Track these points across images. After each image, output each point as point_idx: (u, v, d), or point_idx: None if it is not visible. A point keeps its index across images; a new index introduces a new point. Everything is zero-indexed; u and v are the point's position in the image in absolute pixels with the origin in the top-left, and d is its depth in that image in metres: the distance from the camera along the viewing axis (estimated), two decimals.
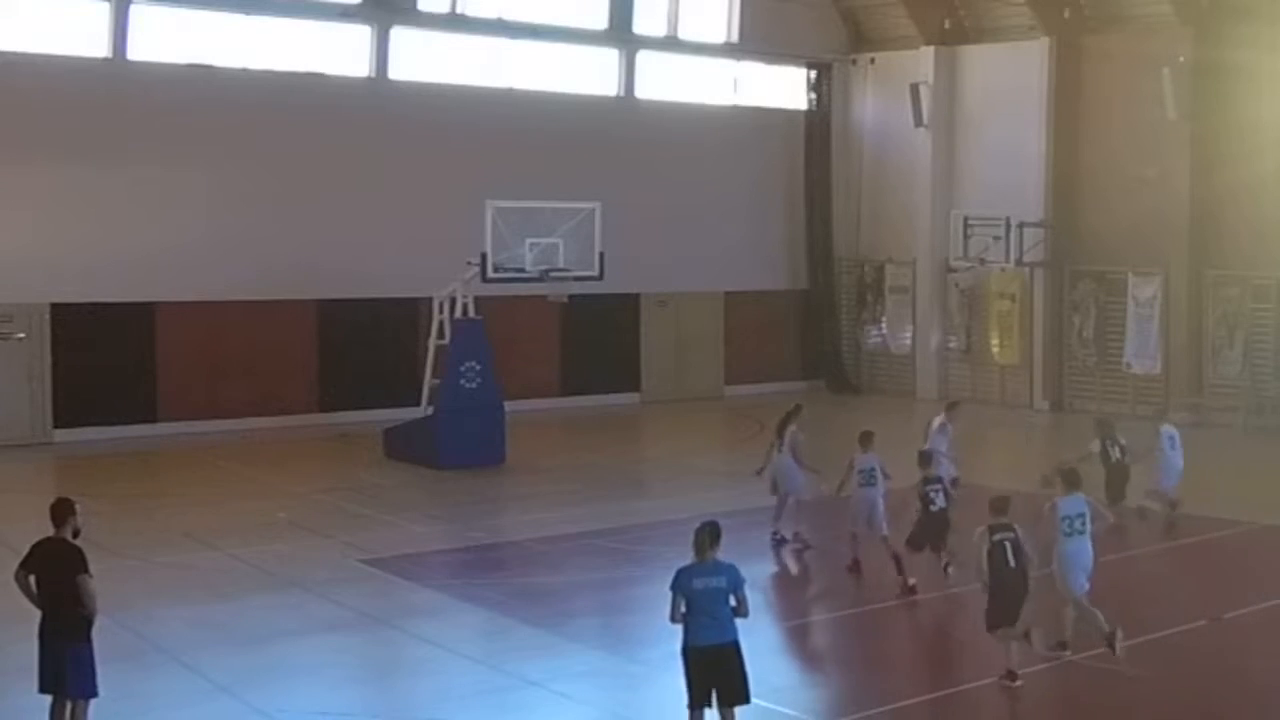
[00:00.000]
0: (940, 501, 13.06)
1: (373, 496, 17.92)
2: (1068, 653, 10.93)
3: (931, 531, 13.10)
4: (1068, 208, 26.00)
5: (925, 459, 13.58)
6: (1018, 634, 10.43)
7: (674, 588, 8.56)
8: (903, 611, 12.77)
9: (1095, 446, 15.92)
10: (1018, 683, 10.28)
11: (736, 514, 16.40)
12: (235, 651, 11.39)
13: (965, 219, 26.35)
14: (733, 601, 8.59)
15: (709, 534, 8.61)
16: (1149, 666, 10.79)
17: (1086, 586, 10.95)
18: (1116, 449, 15.99)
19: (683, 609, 8.49)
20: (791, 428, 15.27)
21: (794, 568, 14.80)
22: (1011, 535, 10.42)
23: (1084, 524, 10.99)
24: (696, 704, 8.66)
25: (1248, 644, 11.69)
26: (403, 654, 11.69)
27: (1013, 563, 10.35)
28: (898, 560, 13.05)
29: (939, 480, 13.31)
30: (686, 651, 8.59)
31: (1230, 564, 14.61)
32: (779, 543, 15.14)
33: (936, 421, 16.21)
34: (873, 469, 13.72)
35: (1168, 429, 16.35)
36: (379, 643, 12.09)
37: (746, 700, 8.63)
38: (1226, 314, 24.17)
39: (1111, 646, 10.59)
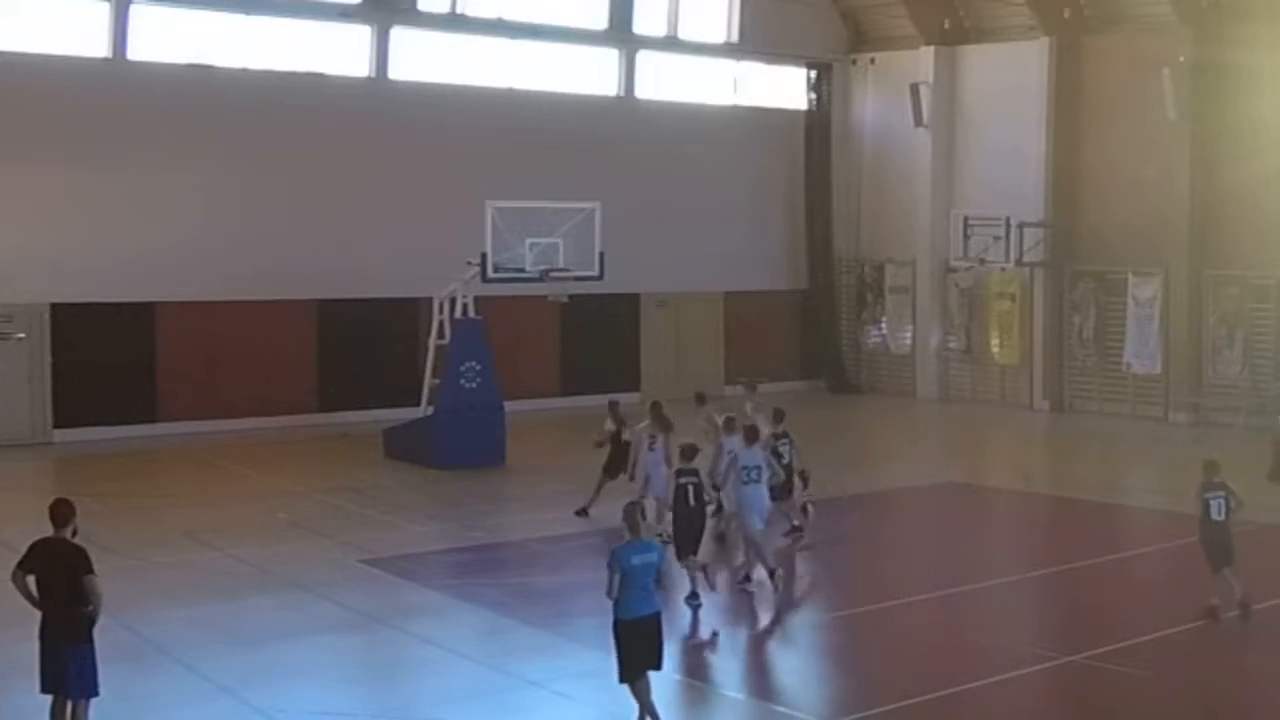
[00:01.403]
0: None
1: (372, 496, 17.95)
2: (752, 585, 12.99)
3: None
4: (1068, 208, 26.03)
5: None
6: (698, 565, 12.55)
7: (612, 565, 9.12)
8: (903, 612, 12.79)
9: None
10: (698, 603, 12.24)
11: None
12: (235, 651, 11.43)
13: (965, 219, 26.38)
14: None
15: (640, 510, 9.42)
16: (1150, 666, 10.82)
17: (761, 527, 13.11)
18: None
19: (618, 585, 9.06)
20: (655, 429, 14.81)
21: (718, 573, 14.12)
22: (695, 479, 12.56)
23: (760, 474, 13.01)
24: (631, 675, 9.18)
25: (1248, 643, 11.73)
26: (402, 654, 11.71)
27: (693, 503, 12.46)
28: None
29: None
30: (621, 624, 9.15)
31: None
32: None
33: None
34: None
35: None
36: (379, 643, 12.12)
37: (659, 667, 9.33)
38: (1226, 314, 24.20)
39: (773, 582, 12.78)
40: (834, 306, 29.66)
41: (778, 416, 15.20)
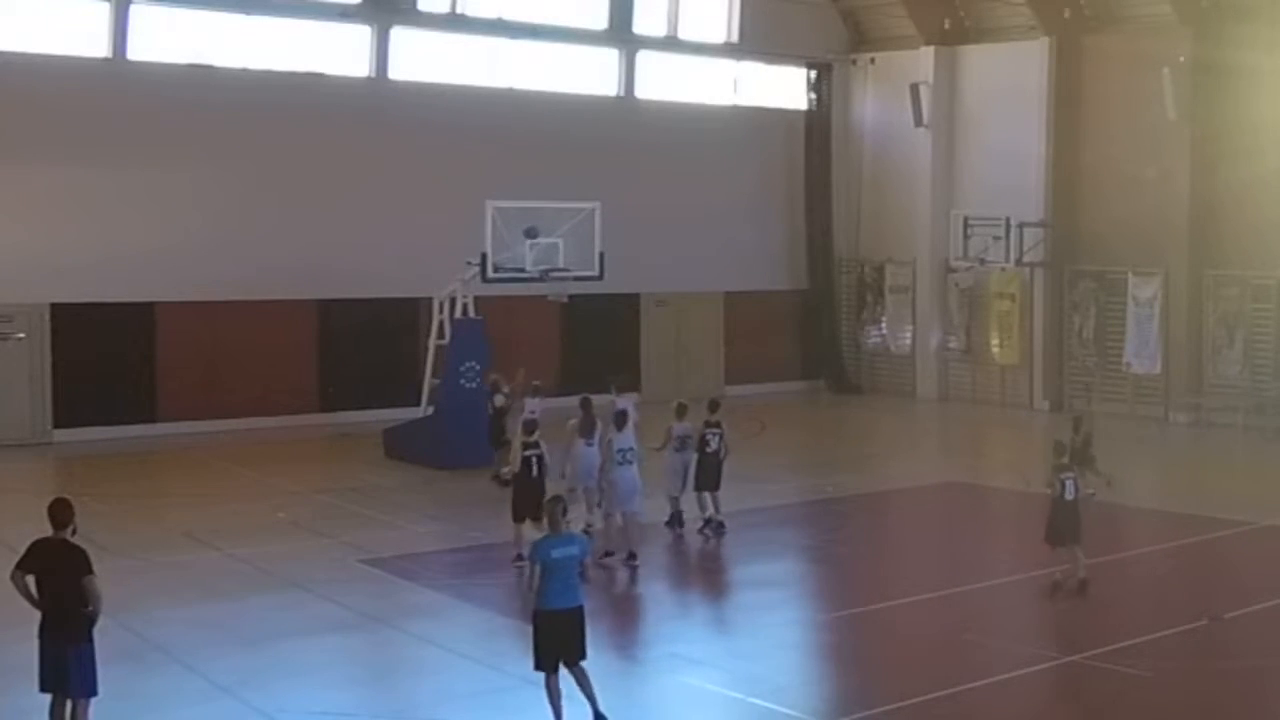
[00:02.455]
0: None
1: (372, 496, 18.00)
2: (614, 557, 14.02)
3: None
4: (1068, 208, 26.07)
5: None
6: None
7: (532, 557, 9.47)
8: (903, 611, 12.83)
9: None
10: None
11: (737, 514, 16.49)
12: (235, 651, 11.45)
13: (965, 219, 26.45)
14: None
15: (562, 507, 9.65)
16: (1151, 666, 10.85)
17: (634, 507, 14.25)
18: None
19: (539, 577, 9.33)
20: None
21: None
22: (539, 452, 14.08)
23: (633, 456, 14.43)
24: (548, 666, 9.41)
25: (1249, 643, 11.76)
26: (402, 654, 11.76)
27: (535, 474, 13.90)
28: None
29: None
30: (540, 615, 9.40)
31: (1231, 564, 14.71)
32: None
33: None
34: (686, 435, 15.43)
35: None
36: (379, 642, 12.16)
37: (585, 656, 9.49)
38: (1226, 314, 24.26)
39: (633, 564, 13.87)
40: (834, 306, 29.70)
41: (711, 406, 15.99)
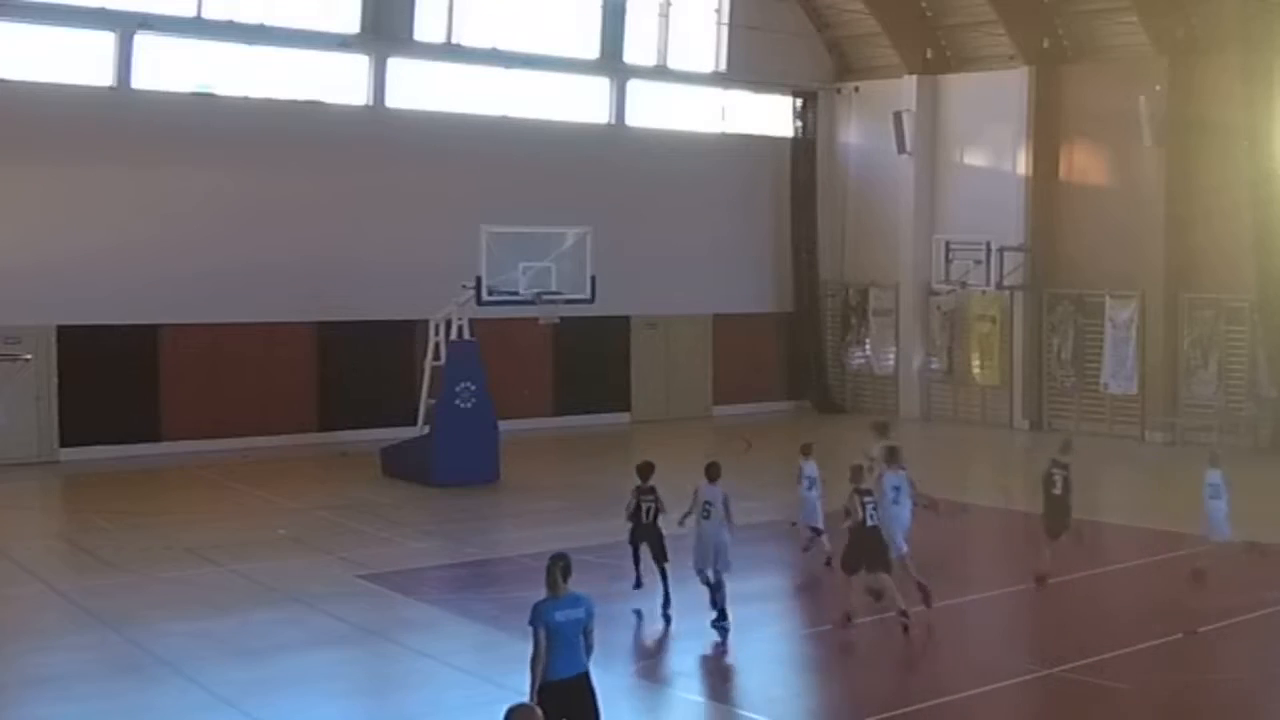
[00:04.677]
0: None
1: (370, 513, 18.18)
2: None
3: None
4: (1047, 232, 26.46)
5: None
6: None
7: (534, 622, 8.24)
8: (888, 625, 12.96)
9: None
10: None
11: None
12: (236, 664, 11.64)
13: (947, 243, 26.85)
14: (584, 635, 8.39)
15: (561, 568, 8.40)
16: (1129, 679, 11.06)
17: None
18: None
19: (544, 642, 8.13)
20: None
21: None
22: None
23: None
24: None
25: (1223, 657, 11.99)
26: (399, 667, 11.87)
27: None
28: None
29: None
30: (545, 688, 8.13)
31: (1206, 579, 14.73)
32: None
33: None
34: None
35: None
36: (376, 656, 12.33)
37: None
38: (1201, 336, 24.59)
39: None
40: (819, 328, 30.00)
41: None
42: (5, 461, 21.03)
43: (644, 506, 13.34)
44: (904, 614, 12.31)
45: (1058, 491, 14.39)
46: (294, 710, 10.75)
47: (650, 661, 12.39)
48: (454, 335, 20.45)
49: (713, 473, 12.92)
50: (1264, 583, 14.15)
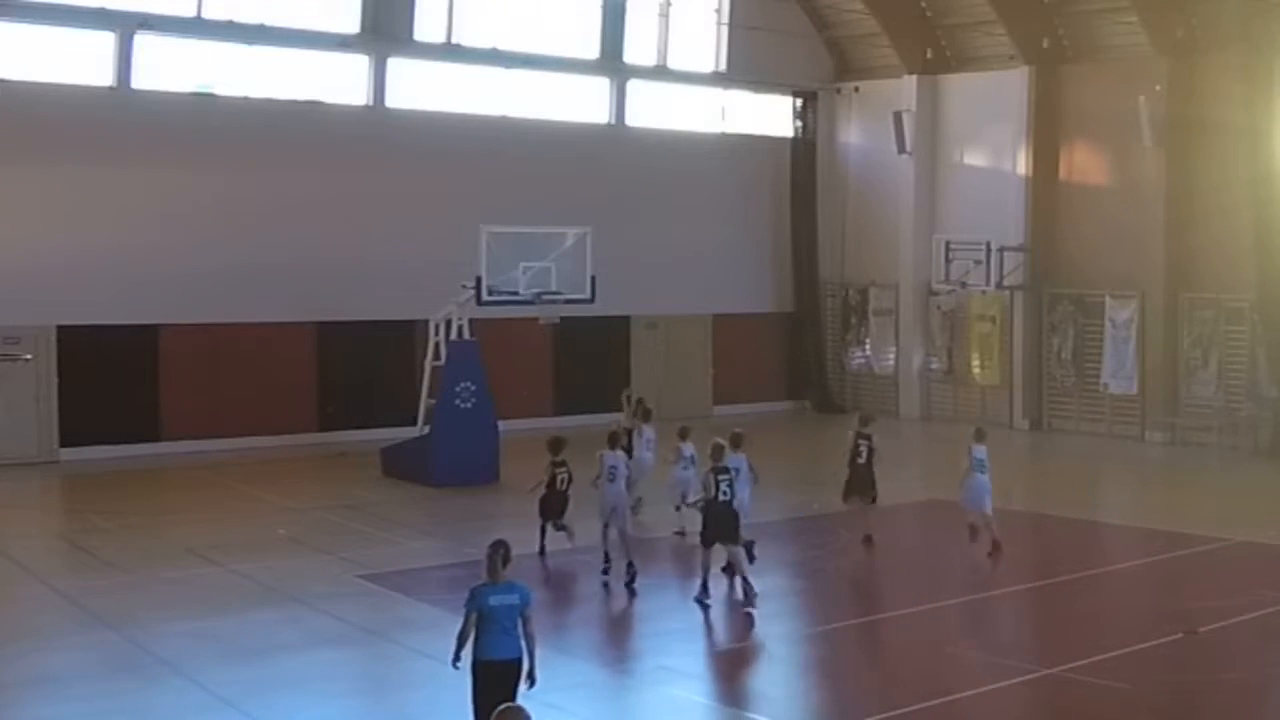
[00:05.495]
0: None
1: (370, 513, 18.21)
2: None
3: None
4: (1047, 232, 26.49)
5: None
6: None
7: (468, 604, 8.87)
8: (887, 625, 13.16)
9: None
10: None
11: None
12: (236, 664, 11.65)
13: (947, 243, 26.84)
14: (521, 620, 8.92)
15: (502, 555, 8.97)
16: (1128, 679, 11.09)
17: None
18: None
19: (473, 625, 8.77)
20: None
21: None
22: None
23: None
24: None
25: (1223, 657, 11.99)
26: (399, 667, 11.90)
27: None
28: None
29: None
30: (477, 666, 8.80)
31: (1206, 579, 14.96)
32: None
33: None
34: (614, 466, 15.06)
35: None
36: (376, 656, 12.35)
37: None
38: (1201, 336, 24.61)
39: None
40: (819, 328, 30.05)
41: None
42: (5, 461, 21.04)
43: (558, 477, 15.46)
44: (749, 586, 13.27)
45: (862, 461, 16.15)
46: (294, 710, 10.77)
47: (650, 661, 12.41)
48: (454, 335, 20.46)
49: (736, 441, 14.66)
50: (1264, 583, 14.13)
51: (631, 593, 14.11)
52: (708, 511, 13.46)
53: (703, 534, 13.58)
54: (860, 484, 16.16)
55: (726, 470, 13.58)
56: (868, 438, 16.18)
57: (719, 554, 13.65)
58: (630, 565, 14.30)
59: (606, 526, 14.75)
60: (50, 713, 10.41)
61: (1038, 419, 26.77)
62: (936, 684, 11.31)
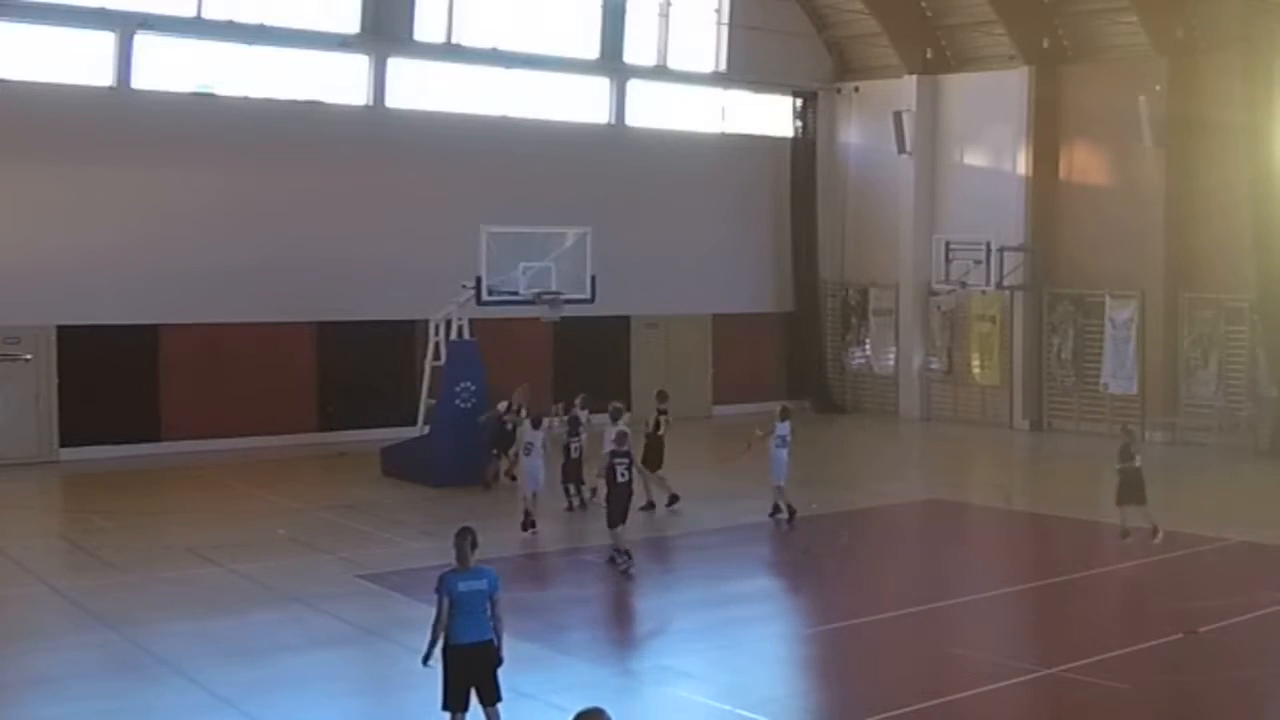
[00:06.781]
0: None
1: (370, 513, 18.25)
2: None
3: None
4: (1047, 232, 26.51)
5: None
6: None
7: (438, 590, 9.15)
8: (887, 625, 13.14)
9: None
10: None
11: (724, 530, 16.98)
12: (236, 664, 11.68)
13: (947, 243, 26.88)
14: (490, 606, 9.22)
15: (470, 541, 9.31)
16: (1129, 678, 11.11)
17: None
18: None
19: (446, 610, 9.05)
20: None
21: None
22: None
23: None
24: (455, 704, 9.12)
25: (1223, 656, 12.02)
26: (399, 667, 11.79)
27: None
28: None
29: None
30: (448, 651, 9.09)
31: (1206, 579, 14.98)
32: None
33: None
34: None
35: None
36: (376, 656, 12.38)
37: (500, 698, 9.23)
38: (1201, 336, 24.64)
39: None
40: (819, 328, 30.09)
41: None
42: (5, 461, 21.07)
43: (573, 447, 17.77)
44: (626, 554, 14.78)
45: (661, 433, 18.55)
46: (294, 710, 10.80)
47: (650, 661, 12.44)
48: (454, 335, 20.52)
49: (784, 414, 18.00)
50: (1264, 583, 14.15)
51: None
52: (611, 492, 14.92)
53: (609, 515, 14.97)
54: (655, 455, 18.55)
55: (625, 455, 15.05)
56: (665, 412, 18.86)
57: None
58: (627, 554, 14.73)
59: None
60: (50, 713, 10.43)
61: (1038, 419, 26.79)
62: (936, 684, 11.33)
